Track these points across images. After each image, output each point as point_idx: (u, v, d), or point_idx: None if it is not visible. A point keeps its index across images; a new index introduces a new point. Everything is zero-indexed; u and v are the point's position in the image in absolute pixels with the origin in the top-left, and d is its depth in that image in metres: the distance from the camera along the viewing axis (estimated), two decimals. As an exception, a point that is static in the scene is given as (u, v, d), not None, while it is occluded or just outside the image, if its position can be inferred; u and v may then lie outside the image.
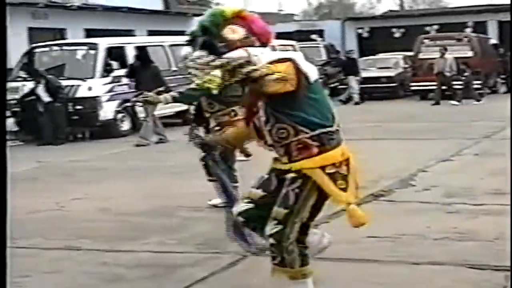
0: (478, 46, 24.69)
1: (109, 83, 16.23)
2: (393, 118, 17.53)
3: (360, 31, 34.59)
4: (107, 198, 8.34)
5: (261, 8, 41.83)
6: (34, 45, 17.93)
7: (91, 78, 16.00)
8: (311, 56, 21.58)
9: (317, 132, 3.91)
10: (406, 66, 26.05)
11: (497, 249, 5.39)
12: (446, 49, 22.50)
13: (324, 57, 27.95)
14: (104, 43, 16.81)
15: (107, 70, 16.38)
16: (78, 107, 15.60)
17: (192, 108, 8.28)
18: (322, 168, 3.92)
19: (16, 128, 15.71)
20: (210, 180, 6.24)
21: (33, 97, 15.42)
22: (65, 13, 22.06)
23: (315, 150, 3.92)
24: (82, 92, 15.76)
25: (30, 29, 20.88)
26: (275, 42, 4.06)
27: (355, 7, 59.63)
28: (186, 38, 5.09)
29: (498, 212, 6.66)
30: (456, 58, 22.43)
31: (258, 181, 4.20)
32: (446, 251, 5.47)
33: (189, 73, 6.72)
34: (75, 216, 7.47)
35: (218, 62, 3.76)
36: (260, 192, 4.13)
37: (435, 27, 31.75)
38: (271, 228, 3.99)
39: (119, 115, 16.28)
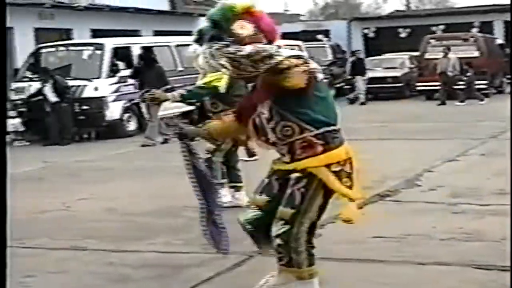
0: (484, 46, 24.63)
1: (115, 83, 16.24)
2: (399, 118, 17.50)
3: (366, 31, 34.52)
4: (113, 198, 8.35)
5: (267, 8, 41.23)
6: (41, 45, 17.94)
7: (97, 78, 16.02)
8: (317, 56, 21.53)
9: (321, 130, 3.91)
10: (412, 66, 26.00)
11: (503, 250, 5.36)
12: (449, 49, 22.45)
13: (330, 57, 27.90)
14: (110, 43, 16.82)
15: (113, 70, 16.39)
16: (85, 107, 15.63)
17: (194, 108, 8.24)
18: (327, 166, 3.92)
19: (22, 128, 15.75)
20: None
21: (39, 97, 15.46)
22: (72, 14, 22.06)
23: (320, 148, 3.92)
24: (88, 92, 15.78)
25: (37, 29, 20.87)
26: (281, 42, 4.03)
27: (361, 7, 59.53)
28: (193, 37, 5.07)
29: (504, 212, 6.62)
30: (460, 58, 22.37)
31: (259, 186, 4.18)
32: (452, 252, 5.46)
33: (202, 68, 6.67)
34: (81, 216, 7.48)
35: (246, 51, 3.67)
36: (264, 197, 4.12)
37: (441, 27, 31.67)
38: (278, 228, 3.97)
39: (125, 115, 16.31)
